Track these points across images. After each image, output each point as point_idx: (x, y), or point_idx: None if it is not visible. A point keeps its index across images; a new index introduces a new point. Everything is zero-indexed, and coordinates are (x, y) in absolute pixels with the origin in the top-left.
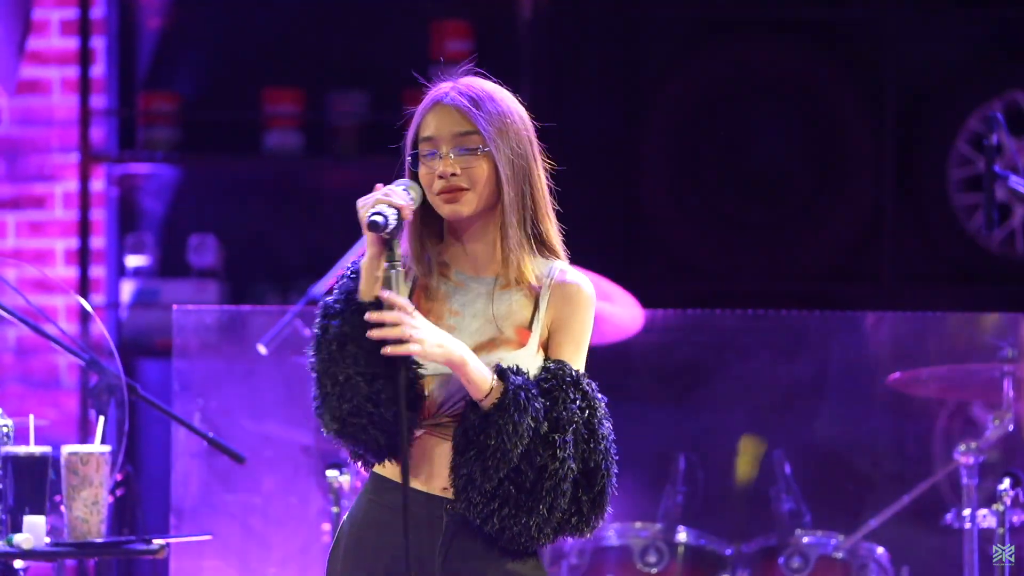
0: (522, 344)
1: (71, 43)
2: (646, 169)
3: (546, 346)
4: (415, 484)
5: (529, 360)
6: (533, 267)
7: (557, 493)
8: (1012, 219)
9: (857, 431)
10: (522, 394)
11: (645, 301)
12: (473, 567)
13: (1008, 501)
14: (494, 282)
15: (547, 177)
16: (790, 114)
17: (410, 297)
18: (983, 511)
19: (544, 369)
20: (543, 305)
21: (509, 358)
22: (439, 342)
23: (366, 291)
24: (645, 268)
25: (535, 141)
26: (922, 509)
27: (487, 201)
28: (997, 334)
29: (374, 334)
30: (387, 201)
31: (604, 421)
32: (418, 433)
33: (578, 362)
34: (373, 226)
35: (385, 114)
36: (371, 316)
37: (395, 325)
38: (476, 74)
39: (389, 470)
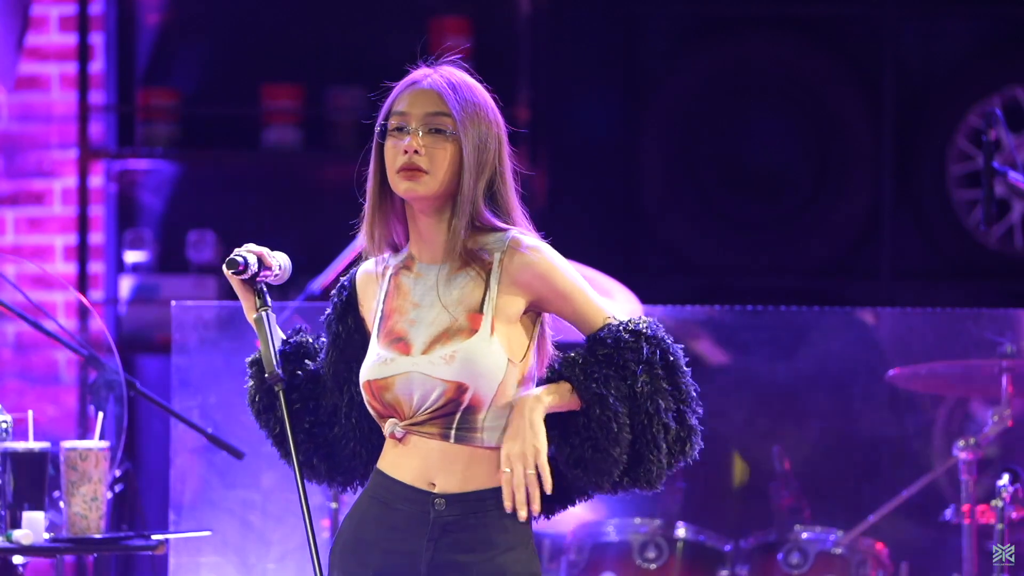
0: (474, 330)
1: (70, 39)
2: (645, 165)
3: (535, 313)
4: (403, 479)
5: (483, 346)
6: (483, 243)
7: (659, 436)
8: (1011, 215)
9: (856, 427)
10: (593, 385)
11: (643, 296)
12: (462, 561)
13: (1007, 497)
14: (445, 267)
15: (516, 181)
16: (789, 110)
17: (383, 299)
18: (982, 507)
19: (596, 341)
20: (494, 283)
21: (464, 347)
22: (534, 434)
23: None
24: (644, 264)
25: (505, 142)
26: (921, 505)
27: (445, 187)
28: (996, 330)
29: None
30: (246, 249)
31: (677, 351)
32: (399, 434)
33: (599, 304)
34: (230, 264)
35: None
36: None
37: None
38: (459, 67)
39: (386, 465)
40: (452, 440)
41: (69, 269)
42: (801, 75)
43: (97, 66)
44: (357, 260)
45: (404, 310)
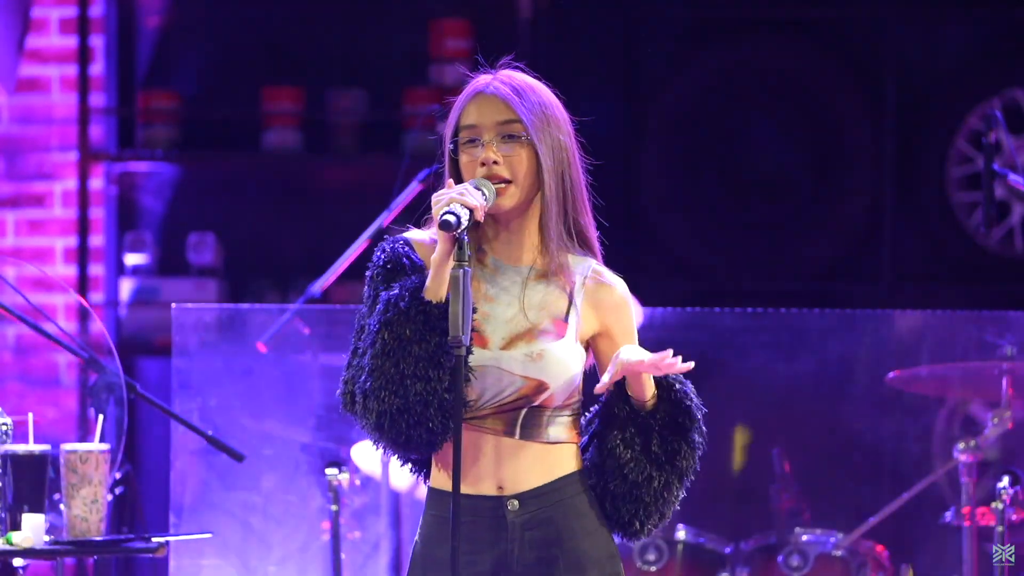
0: (560, 335)
1: (70, 41)
2: (646, 167)
3: (587, 343)
4: (467, 490)
5: (570, 350)
6: (571, 262)
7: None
8: (1011, 217)
9: (856, 429)
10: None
11: (644, 299)
12: (548, 555)
13: (1007, 499)
14: (529, 271)
15: (585, 173)
16: (790, 113)
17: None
18: (982, 509)
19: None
20: (578, 301)
21: (552, 348)
22: None
23: (433, 289)
24: (645, 266)
25: (573, 135)
26: (921, 507)
27: (528, 192)
28: (996, 332)
29: None
30: (461, 200)
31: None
32: None
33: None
34: (445, 225)
35: (384, 112)
36: None
37: None
38: (514, 68)
39: (439, 481)
40: (517, 436)
41: (69, 271)
42: (802, 78)
43: (97, 68)
44: (362, 256)
45: (474, 300)
